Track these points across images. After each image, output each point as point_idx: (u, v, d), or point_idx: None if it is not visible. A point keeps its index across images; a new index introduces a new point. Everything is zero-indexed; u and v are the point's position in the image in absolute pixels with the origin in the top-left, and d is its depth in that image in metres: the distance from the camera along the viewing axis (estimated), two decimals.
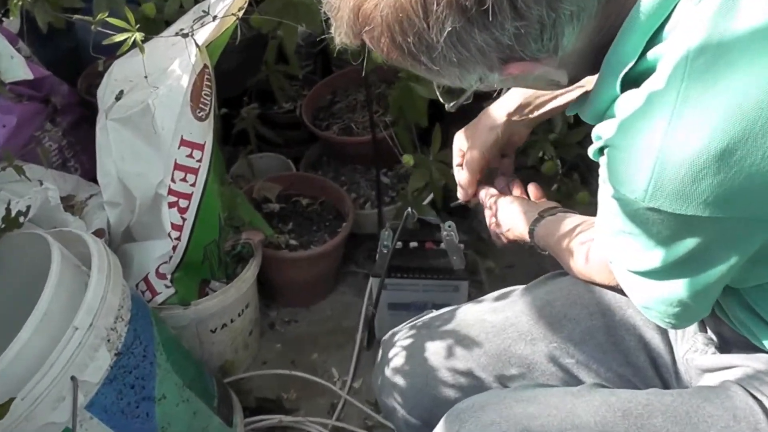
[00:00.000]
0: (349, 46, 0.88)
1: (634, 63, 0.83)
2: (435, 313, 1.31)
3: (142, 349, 1.36)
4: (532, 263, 2.07)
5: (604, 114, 0.88)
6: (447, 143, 1.61)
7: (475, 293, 2.01)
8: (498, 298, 1.28)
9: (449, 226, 1.73)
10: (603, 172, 0.88)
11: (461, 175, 1.36)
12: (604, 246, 0.96)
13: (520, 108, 1.28)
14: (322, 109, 2.25)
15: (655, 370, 1.15)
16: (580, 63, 0.89)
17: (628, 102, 0.82)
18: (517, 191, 1.40)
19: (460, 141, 1.36)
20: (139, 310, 1.39)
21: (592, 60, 0.89)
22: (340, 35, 0.87)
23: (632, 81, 0.84)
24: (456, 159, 1.38)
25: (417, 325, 1.29)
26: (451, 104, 0.98)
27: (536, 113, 1.27)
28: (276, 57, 2.16)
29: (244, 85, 2.21)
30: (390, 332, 1.33)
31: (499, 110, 1.30)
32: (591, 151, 0.89)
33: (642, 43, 0.82)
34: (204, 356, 1.77)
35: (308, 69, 2.45)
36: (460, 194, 1.37)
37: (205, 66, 1.54)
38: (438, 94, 0.98)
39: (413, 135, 2.02)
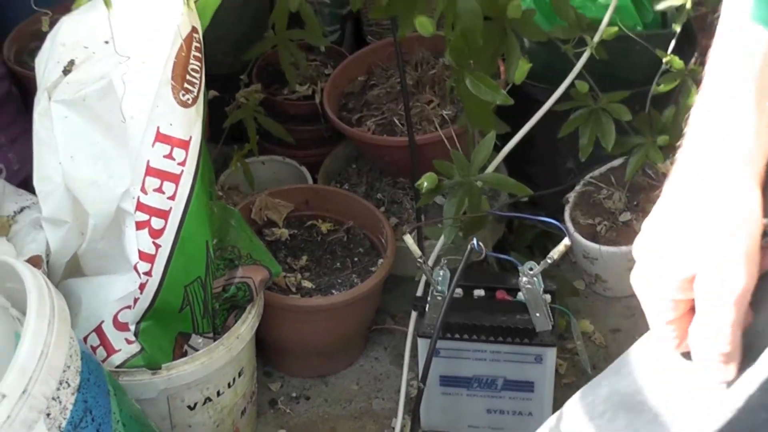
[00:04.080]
0: None
1: None
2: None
3: (94, 428, 1.35)
4: (644, 326, 2.05)
5: None
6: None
7: (567, 367, 2.01)
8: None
9: (530, 269, 1.71)
10: None
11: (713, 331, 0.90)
12: None
13: None
14: (351, 96, 2.27)
15: None
16: None
17: None
18: None
19: (664, 267, 0.92)
20: (92, 373, 1.39)
21: None
22: None
23: None
24: (667, 309, 0.94)
25: None
26: None
27: None
28: (288, 19, 2.15)
29: (242, 59, 2.23)
30: None
31: (738, 173, 0.93)
32: None
33: None
34: None
35: (334, 38, 2.46)
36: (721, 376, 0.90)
37: (194, 30, 1.55)
38: None
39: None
